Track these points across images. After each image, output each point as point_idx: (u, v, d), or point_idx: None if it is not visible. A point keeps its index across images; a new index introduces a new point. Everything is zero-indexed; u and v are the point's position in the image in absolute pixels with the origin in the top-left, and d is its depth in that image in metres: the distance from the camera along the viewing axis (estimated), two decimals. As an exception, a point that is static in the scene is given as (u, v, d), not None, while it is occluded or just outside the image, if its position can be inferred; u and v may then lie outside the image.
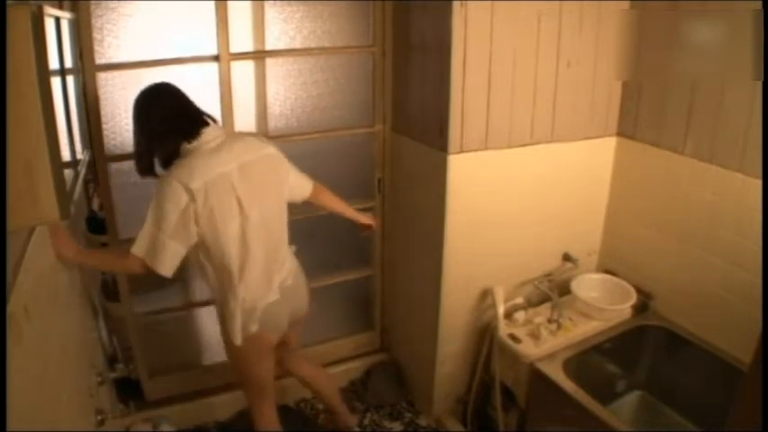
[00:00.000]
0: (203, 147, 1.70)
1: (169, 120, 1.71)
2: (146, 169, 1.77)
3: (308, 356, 2.37)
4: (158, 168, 1.78)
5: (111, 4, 1.96)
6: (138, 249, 1.66)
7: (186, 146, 1.70)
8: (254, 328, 1.82)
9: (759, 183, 1.92)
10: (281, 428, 2.14)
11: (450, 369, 2.48)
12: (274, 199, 1.85)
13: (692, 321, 2.24)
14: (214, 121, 1.80)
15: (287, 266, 1.92)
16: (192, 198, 1.63)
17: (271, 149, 1.85)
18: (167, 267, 1.67)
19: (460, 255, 2.26)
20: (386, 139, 2.50)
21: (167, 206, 1.63)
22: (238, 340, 1.82)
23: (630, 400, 2.37)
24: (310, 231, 2.56)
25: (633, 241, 2.45)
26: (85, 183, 2.22)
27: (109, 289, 2.38)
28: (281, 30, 2.25)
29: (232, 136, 1.82)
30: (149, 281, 2.38)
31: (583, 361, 2.18)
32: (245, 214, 1.74)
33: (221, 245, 1.72)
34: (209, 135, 1.72)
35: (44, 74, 0.88)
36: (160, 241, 1.64)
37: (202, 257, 1.77)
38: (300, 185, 1.98)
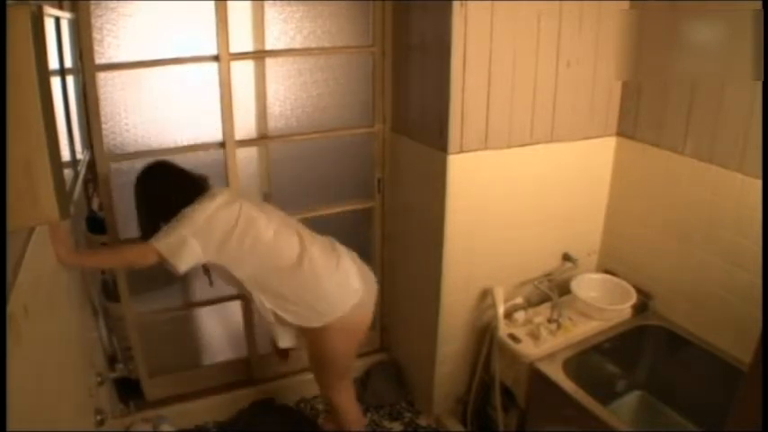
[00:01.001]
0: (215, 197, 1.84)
1: (176, 195, 1.83)
2: (152, 233, 1.84)
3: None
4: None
5: (111, 4, 1.96)
6: (160, 243, 1.73)
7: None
8: (353, 300, 1.88)
9: (759, 183, 1.92)
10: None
11: (450, 369, 2.48)
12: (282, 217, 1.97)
13: (692, 321, 2.24)
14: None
15: (345, 251, 1.99)
16: (222, 208, 1.77)
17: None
18: (184, 264, 1.75)
19: (460, 255, 2.26)
20: (386, 139, 2.50)
21: (197, 213, 1.75)
22: (340, 312, 1.86)
23: (630, 400, 2.37)
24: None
25: (633, 241, 2.45)
26: (85, 183, 2.22)
27: (109, 289, 2.38)
28: (281, 30, 2.25)
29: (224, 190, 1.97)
30: (149, 281, 2.39)
31: (583, 361, 2.18)
32: (271, 219, 1.87)
33: (263, 235, 1.82)
34: (214, 191, 1.87)
35: (44, 74, 0.88)
36: (182, 237, 1.73)
37: (245, 258, 1.83)
38: None
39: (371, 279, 2.03)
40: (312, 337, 1.94)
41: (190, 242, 1.73)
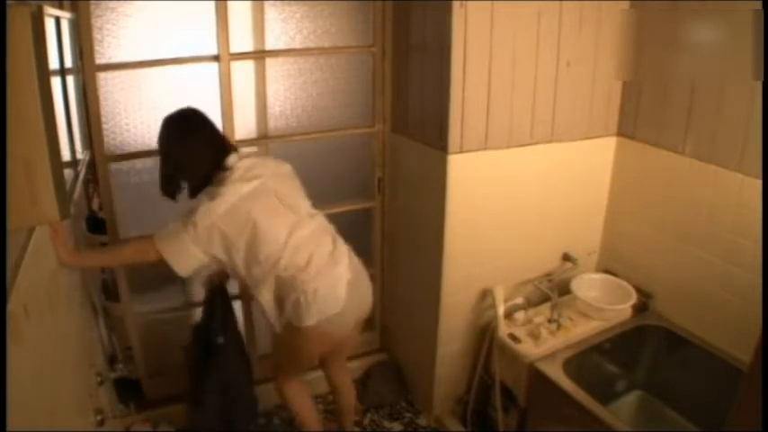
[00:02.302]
0: (233, 175, 1.78)
1: (204, 150, 1.80)
2: (171, 193, 1.83)
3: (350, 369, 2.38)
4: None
5: (111, 4, 1.96)
6: (162, 243, 1.72)
7: (216, 176, 1.79)
8: (335, 308, 1.83)
9: (759, 183, 1.92)
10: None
11: (450, 369, 2.48)
12: (306, 200, 1.95)
13: (692, 321, 2.24)
14: (235, 149, 1.88)
15: (346, 259, 1.92)
16: (225, 219, 1.72)
17: (288, 166, 1.96)
18: (184, 269, 1.75)
19: (460, 254, 2.26)
20: (386, 139, 2.50)
21: (200, 219, 1.71)
22: (310, 322, 1.81)
23: (630, 400, 2.37)
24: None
25: (633, 241, 2.45)
26: (85, 183, 2.22)
27: (109, 289, 2.38)
28: (281, 30, 2.25)
29: (253, 158, 1.91)
30: (149, 281, 2.38)
31: (583, 361, 2.18)
32: (290, 211, 1.84)
33: (272, 243, 1.78)
34: (234, 162, 1.81)
35: (44, 74, 0.88)
36: (184, 243, 1.71)
37: (251, 263, 1.80)
38: None
39: (365, 285, 1.97)
40: (287, 330, 1.90)
41: (190, 249, 1.72)
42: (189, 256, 1.73)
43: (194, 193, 1.81)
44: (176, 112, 1.81)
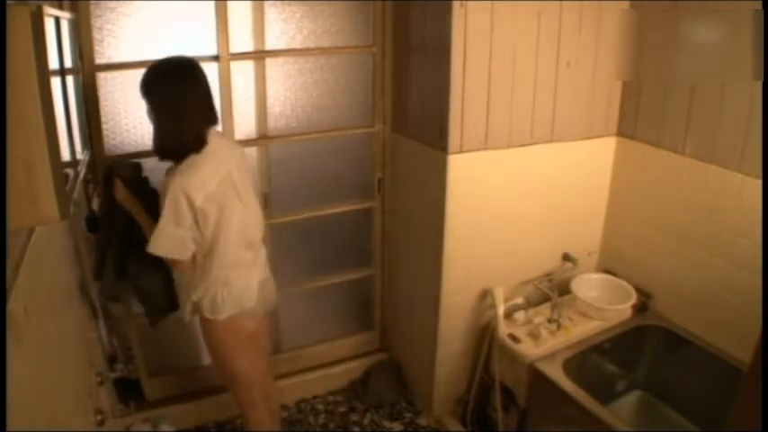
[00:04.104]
0: (208, 149, 1.77)
1: (205, 102, 1.78)
2: (161, 149, 1.77)
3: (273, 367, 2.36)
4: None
5: (111, 4, 1.96)
6: (160, 250, 1.74)
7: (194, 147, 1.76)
8: (250, 303, 1.88)
9: (759, 183, 1.92)
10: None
11: (450, 369, 2.48)
12: (252, 188, 1.95)
13: (692, 321, 2.24)
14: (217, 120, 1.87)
15: (262, 263, 1.99)
16: (203, 203, 1.72)
17: (244, 152, 1.96)
18: (187, 256, 1.79)
19: (460, 255, 2.26)
20: (386, 139, 2.50)
21: (182, 207, 1.70)
22: (223, 316, 1.85)
23: (630, 400, 2.37)
24: (310, 231, 2.57)
25: (633, 241, 2.45)
26: (85, 183, 2.22)
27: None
28: (281, 30, 2.25)
29: (218, 135, 1.89)
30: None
31: (583, 361, 2.18)
32: (243, 204, 1.85)
33: (226, 234, 1.80)
34: (212, 137, 1.80)
35: (44, 74, 0.88)
36: (180, 237, 1.74)
37: (199, 248, 1.82)
38: None
39: (272, 284, 2.03)
40: (207, 331, 1.93)
41: (187, 239, 1.75)
42: (189, 244, 1.76)
43: (167, 155, 1.76)
44: (179, 58, 1.75)
